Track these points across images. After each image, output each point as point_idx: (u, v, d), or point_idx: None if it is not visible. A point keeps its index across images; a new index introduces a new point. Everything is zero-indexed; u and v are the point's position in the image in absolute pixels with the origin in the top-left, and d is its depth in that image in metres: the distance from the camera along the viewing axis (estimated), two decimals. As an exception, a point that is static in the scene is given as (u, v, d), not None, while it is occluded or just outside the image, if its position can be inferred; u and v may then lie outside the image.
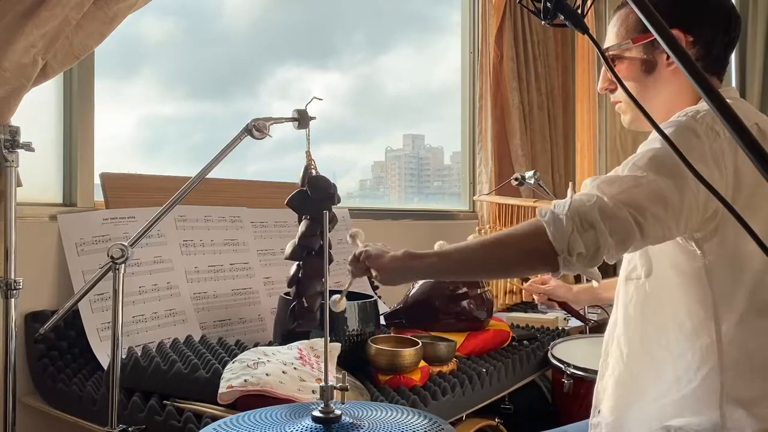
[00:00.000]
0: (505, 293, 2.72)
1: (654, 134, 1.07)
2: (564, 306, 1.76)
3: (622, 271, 1.19)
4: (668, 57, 1.14)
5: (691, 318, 1.07)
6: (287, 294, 1.62)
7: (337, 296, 1.23)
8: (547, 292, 1.75)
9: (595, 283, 1.68)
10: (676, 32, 1.11)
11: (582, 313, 1.82)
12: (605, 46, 1.22)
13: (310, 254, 1.56)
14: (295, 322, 1.53)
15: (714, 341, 1.05)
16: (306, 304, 1.52)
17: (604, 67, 1.24)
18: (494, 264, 1.07)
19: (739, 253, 1.03)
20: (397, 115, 3.27)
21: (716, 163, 0.99)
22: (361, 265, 1.19)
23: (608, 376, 1.21)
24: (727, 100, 0.92)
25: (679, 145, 0.90)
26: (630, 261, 1.16)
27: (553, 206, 1.00)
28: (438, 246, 1.78)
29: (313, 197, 1.53)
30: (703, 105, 1.05)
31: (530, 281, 1.79)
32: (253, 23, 2.68)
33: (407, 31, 3.31)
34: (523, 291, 1.81)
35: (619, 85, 1.19)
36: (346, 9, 3.02)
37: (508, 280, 2.71)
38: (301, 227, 1.55)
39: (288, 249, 1.58)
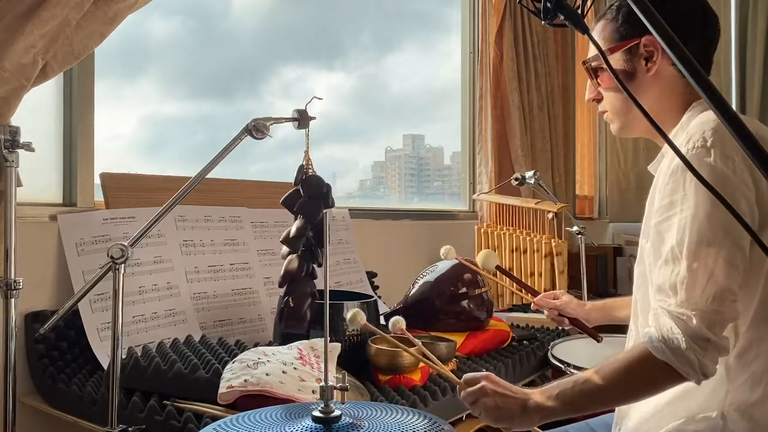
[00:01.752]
0: (512, 294, 2.72)
1: (666, 165, 1.05)
2: (575, 322, 1.66)
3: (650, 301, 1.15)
4: (647, 62, 1.14)
5: None
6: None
7: None
8: (558, 307, 1.66)
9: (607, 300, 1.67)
10: (650, 38, 1.11)
11: (594, 331, 1.74)
12: (590, 55, 1.22)
13: (297, 255, 1.55)
14: (285, 323, 1.52)
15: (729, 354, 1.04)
16: (293, 305, 1.51)
17: (589, 80, 1.24)
18: (624, 402, 1.12)
19: (757, 271, 1.02)
20: (397, 115, 3.27)
21: (746, 186, 0.98)
22: (477, 407, 1.14)
23: None
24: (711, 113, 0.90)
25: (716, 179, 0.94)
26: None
27: (665, 340, 0.99)
28: (444, 252, 1.75)
29: (306, 197, 1.52)
30: (701, 122, 1.04)
31: (540, 296, 1.72)
32: (258, 23, 2.69)
33: (409, 31, 3.31)
34: (532, 306, 1.75)
35: (620, 86, 1.19)
36: (350, 9, 3.02)
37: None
38: (293, 227, 1.55)
39: (283, 249, 1.58)
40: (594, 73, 1.21)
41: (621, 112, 1.20)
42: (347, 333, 1.57)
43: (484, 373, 1.16)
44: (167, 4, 2.28)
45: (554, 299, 1.68)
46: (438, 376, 1.59)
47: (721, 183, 0.97)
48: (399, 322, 1.37)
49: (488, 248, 2.81)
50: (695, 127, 1.04)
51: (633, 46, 1.15)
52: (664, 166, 1.07)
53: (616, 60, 1.17)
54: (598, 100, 1.24)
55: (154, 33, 2.30)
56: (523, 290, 1.81)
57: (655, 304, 1.03)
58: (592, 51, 1.23)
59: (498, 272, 1.83)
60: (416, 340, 1.43)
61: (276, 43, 2.71)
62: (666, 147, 1.15)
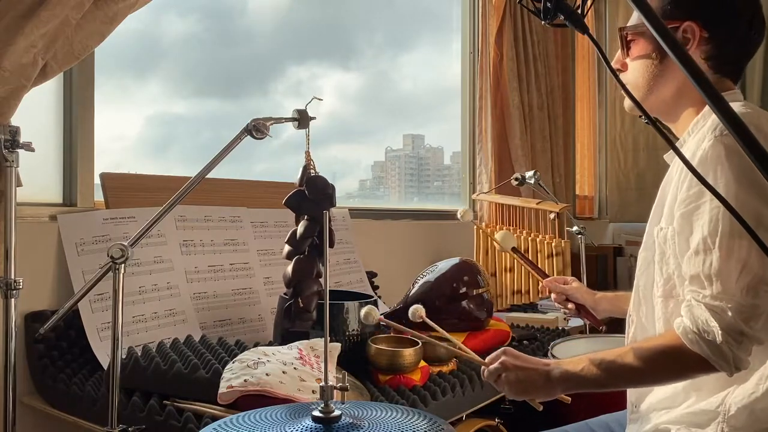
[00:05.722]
0: (513, 293, 2.72)
1: (691, 153, 1.04)
2: (581, 309, 1.62)
3: (658, 288, 1.14)
4: None
5: None
6: (287, 294, 1.62)
7: None
8: (566, 292, 1.62)
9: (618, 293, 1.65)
10: (691, 25, 1.09)
11: (598, 320, 1.70)
12: (628, 24, 1.20)
13: (305, 254, 1.55)
14: (292, 322, 1.53)
15: None
16: (302, 305, 1.51)
17: (620, 49, 1.21)
18: (634, 381, 1.11)
19: None
20: (398, 115, 3.27)
21: None
22: (501, 384, 1.16)
23: None
24: (736, 105, 0.91)
25: (747, 168, 0.93)
26: (667, 280, 1.12)
27: (700, 332, 0.99)
28: (461, 213, 1.77)
29: (311, 197, 1.53)
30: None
31: (550, 278, 1.68)
32: (271, 23, 2.69)
33: (411, 31, 3.31)
34: (540, 287, 1.71)
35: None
36: (357, 8, 3.02)
37: (517, 277, 2.72)
38: (299, 228, 1.55)
39: (285, 249, 1.59)
40: (626, 42, 1.18)
41: (641, 87, 1.18)
42: (347, 333, 1.57)
43: (502, 348, 1.18)
44: (184, 3, 2.28)
45: (564, 284, 1.65)
46: (438, 376, 1.59)
47: (752, 167, 0.96)
48: (418, 309, 1.48)
49: (487, 248, 2.81)
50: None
51: (672, 28, 1.11)
52: (688, 154, 1.05)
53: (650, 36, 1.14)
54: (621, 71, 1.21)
55: (169, 31, 2.30)
56: (533, 271, 1.85)
57: (688, 294, 1.03)
58: (633, 18, 1.19)
59: (513, 253, 1.94)
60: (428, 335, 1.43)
61: (286, 42, 2.71)
62: (686, 135, 1.14)
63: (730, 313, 0.97)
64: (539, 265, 2.63)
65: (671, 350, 1.03)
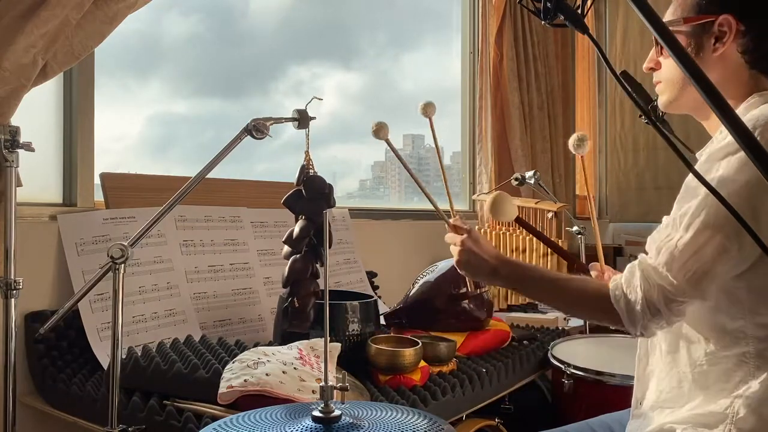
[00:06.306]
0: (513, 293, 2.72)
1: (713, 148, 1.03)
2: None
3: None
4: (716, 42, 1.10)
5: (728, 329, 1.06)
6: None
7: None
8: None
9: None
10: (727, 18, 1.08)
11: None
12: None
13: (301, 254, 1.55)
14: (288, 322, 1.53)
15: (748, 352, 1.04)
16: (297, 305, 1.51)
17: (654, 47, 1.21)
18: (559, 307, 1.26)
19: None
20: (399, 116, 3.27)
21: None
22: (453, 252, 1.30)
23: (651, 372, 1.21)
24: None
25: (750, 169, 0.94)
26: None
27: (626, 292, 1.06)
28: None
29: (308, 197, 1.52)
30: (761, 112, 1.02)
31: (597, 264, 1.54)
32: (267, 23, 2.69)
33: (412, 32, 3.31)
34: (594, 267, 1.54)
35: (673, 60, 1.15)
36: (359, 9, 3.02)
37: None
38: (296, 228, 1.55)
39: (284, 249, 1.59)
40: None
41: (676, 84, 1.17)
42: (347, 333, 1.57)
43: (468, 227, 1.30)
44: (185, 3, 2.28)
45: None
46: (438, 376, 1.59)
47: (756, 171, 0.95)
48: (429, 106, 1.53)
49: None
50: (755, 114, 1.02)
51: (708, 22, 1.10)
52: (707, 150, 1.06)
53: (684, 33, 1.13)
54: (655, 69, 1.21)
55: (170, 31, 2.30)
56: (546, 244, 1.72)
57: (639, 256, 1.08)
58: (667, 15, 1.18)
59: (518, 224, 1.70)
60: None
61: (287, 42, 2.71)
62: (717, 134, 1.11)
63: (657, 288, 1.02)
64: (538, 266, 2.63)
65: (601, 297, 1.10)
